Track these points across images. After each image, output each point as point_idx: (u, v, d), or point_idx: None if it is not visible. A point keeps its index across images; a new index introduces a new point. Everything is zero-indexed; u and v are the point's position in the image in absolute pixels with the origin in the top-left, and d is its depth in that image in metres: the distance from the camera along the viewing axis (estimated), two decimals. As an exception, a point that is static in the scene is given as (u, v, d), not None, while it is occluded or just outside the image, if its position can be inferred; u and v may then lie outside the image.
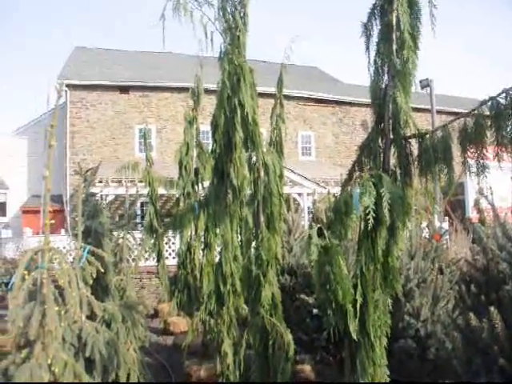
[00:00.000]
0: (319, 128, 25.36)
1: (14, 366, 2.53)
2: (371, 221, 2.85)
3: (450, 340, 3.57)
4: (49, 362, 2.54)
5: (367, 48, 3.81)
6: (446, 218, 15.84)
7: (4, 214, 23.71)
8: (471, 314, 3.21)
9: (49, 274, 2.60)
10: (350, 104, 25.31)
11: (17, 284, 2.45)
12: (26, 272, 2.50)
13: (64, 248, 12.90)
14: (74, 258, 3.79)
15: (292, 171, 18.31)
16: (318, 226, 2.90)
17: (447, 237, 7.79)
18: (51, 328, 2.49)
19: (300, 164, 22.10)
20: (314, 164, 23.81)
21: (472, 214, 18.95)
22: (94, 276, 3.77)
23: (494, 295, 3.48)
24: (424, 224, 7.44)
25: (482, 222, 13.58)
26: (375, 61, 3.61)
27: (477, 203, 17.27)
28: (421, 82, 20.17)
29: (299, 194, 19.82)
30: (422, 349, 4.18)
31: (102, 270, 3.82)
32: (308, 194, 19.73)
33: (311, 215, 16.90)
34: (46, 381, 2.63)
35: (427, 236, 7.01)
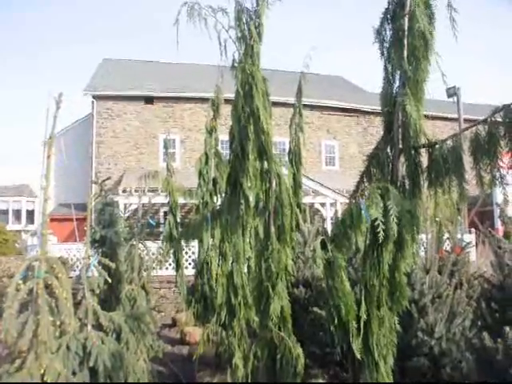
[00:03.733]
0: (343, 137, 25.15)
1: (6, 375, 2.52)
2: (381, 234, 2.74)
3: (465, 360, 3.40)
4: (41, 371, 2.53)
5: (382, 54, 3.71)
6: (473, 229, 15.36)
7: (32, 222, 24.32)
8: (485, 334, 3.04)
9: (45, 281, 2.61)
10: (375, 113, 24.93)
11: (11, 293, 2.46)
12: (20, 282, 2.50)
13: (74, 256, 13.09)
14: (77, 267, 3.79)
15: (314, 181, 18.14)
16: (322, 238, 2.81)
17: (469, 249, 7.51)
18: (44, 338, 2.48)
19: (323, 174, 21.92)
20: (337, 174, 23.58)
21: (501, 226, 18.35)
22: (101, 286, 3.76)
23: (511, 313, 3.30)
24: (445, 236, 7.20)
25: (507, 234, 13.04)
26: (385, 67, 3.51)
27: (501, 214, 16.57)
28: (447, 90, 19.68)
29: (322, 204, 19.59)
30: (436, 368, 3.99)
31: (110, 281, 3.81)
32: (331, 205, 19.50)
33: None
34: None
35: (448, 249, 6.79)
